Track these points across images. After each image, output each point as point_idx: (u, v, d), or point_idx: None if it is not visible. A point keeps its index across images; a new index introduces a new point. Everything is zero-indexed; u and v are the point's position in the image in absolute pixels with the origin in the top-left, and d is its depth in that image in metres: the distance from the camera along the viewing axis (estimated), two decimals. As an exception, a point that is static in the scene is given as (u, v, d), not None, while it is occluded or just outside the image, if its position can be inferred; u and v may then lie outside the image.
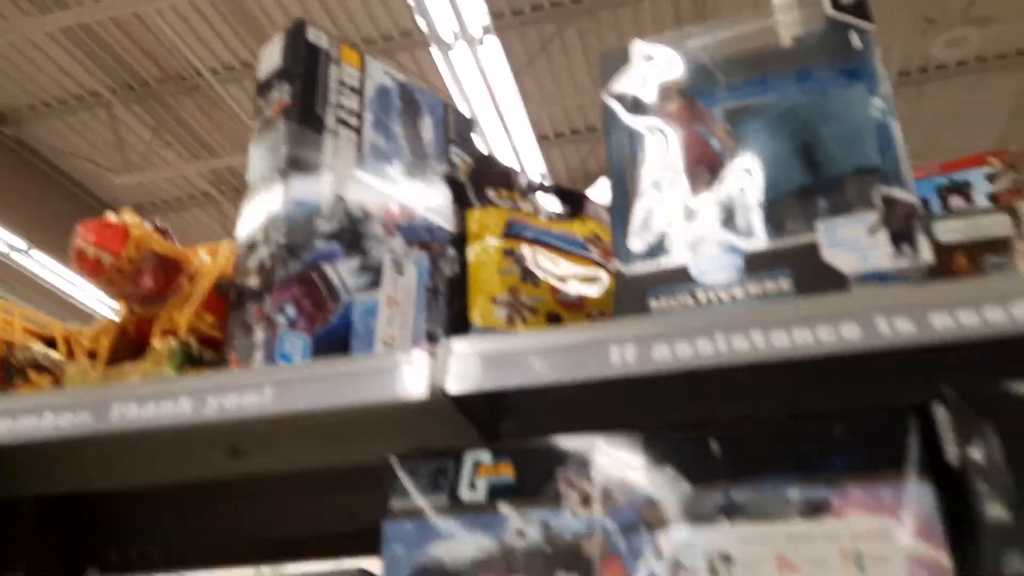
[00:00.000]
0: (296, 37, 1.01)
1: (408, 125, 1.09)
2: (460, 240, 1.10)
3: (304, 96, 0.99)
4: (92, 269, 0.97)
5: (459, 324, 1.00)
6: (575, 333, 0.77)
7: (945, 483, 0.67)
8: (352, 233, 0.97)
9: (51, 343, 1.13)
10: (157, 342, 0.98)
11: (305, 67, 1.00)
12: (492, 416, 0.84)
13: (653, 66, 0.96)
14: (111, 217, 1.01)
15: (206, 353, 0.98)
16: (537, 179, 1.15)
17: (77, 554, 1.17)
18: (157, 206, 9.05)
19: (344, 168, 0.99)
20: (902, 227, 0.78)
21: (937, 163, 1.35)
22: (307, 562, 1.15)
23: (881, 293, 0.73)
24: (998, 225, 0.99)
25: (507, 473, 0.77)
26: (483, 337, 0.83)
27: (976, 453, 0.66)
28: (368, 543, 0.85)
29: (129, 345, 1.04)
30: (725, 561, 0.69)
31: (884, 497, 0.68)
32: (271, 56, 1.03)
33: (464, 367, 0.79)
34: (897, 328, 0.70)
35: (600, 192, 1.32)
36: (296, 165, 0.95)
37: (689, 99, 0.94)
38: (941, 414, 0.68)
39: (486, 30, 5.69)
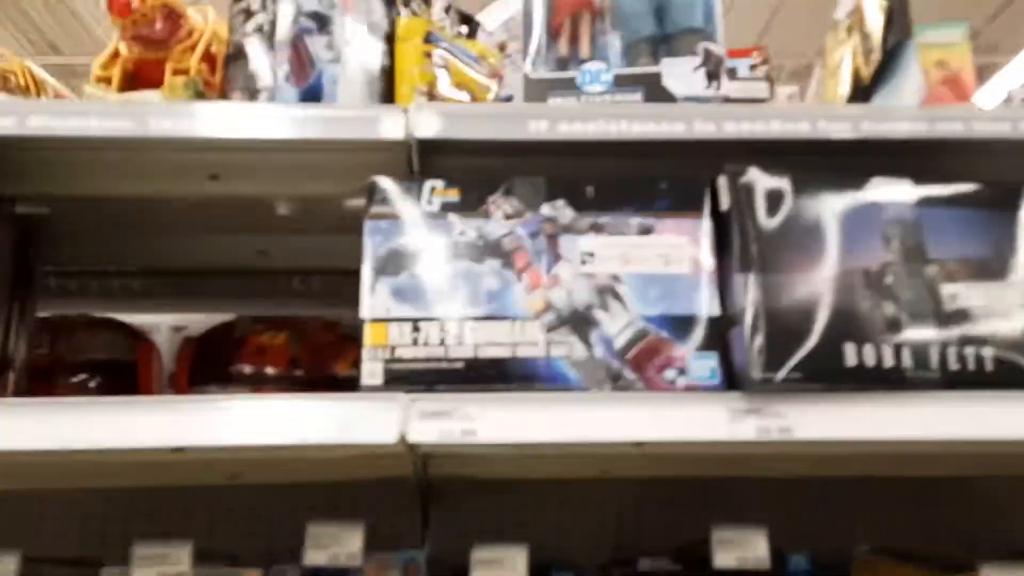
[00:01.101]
0: None
1: (357, -63, 1.36)
2: (388, 39, 1.41)
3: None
4: (122, 9, 1.17)
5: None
6: (510, 108, 1.15)
7: (718, 221, 1.16)
8: (322, 17, 1.25)
9: (12, 75, 1.30)
10: (170, 77, 1.21)
11: None
12: (430, 154, 1.20)
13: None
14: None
15: (207, 92, 1.23)
16: (444, 3, 1.48)
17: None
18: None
19: (319, -37, 1.27)
20: (714, 69, 1.23)
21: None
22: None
23: (697, 106, 1.18)
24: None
25: (454, 195, 1.15)
26: (444, 104, 1.19)
27: (735, 206, 1.14)
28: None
29: (128, 79, 1.25)
30: (590, 256, 1.13)
31: (685, 227, 1.15)
32: None
33: (428, 122, 1.14)
34: (705, 127, 1.16)
35: (489, 17, 1.67)
36: (288, -47, 1.22)
37: (581, -40, 1.32)
38: (722, 181, 1.16)
39: None
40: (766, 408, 1.06)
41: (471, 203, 1.15)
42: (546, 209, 1.15)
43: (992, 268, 1.14)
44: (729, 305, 1.13)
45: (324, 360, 1.49)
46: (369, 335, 1.10)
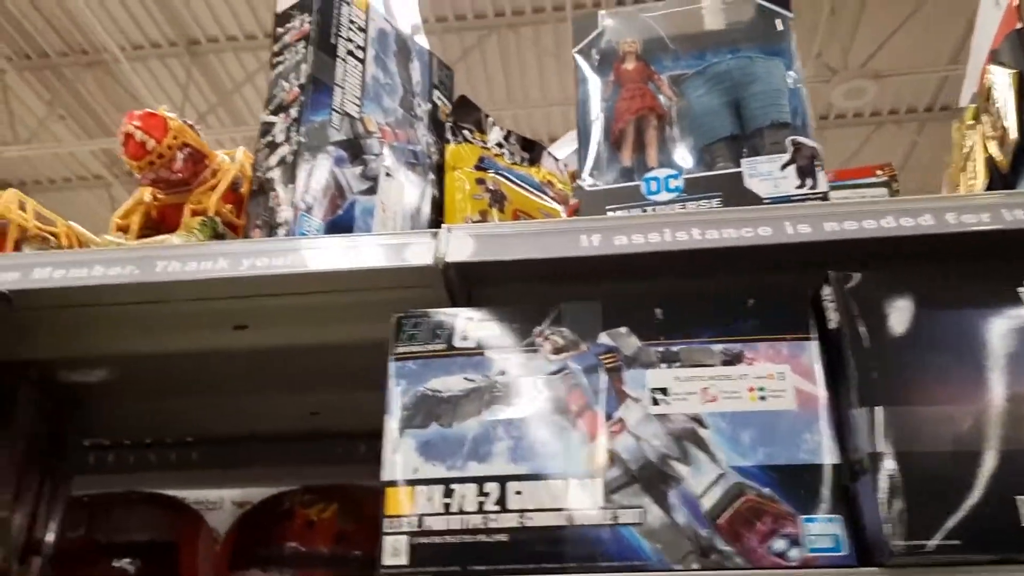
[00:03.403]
0: (317, -23, 1.19)
1: (401, 66, 1.27)
2: (438, 169, 1.29)
3: (322, 26, 1.16)
4: (136, 152, 1.11)
5: (436, 237, 1.19)
6: (557, 223, 0.98)
7: (826, 342, 0.91)
8: (356, 145, 1.14)
9: (55, 236, 1.25)
10: (187, 219, 1.12)
11: (324, 2, 1.17)
12: (472, 284, 1.02)
13: (615, 32, 1.18)
14: (155, 108, 1.15)
15: (228, 233, 1.13)
16: (504, 130, 1.36)
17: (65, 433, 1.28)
18: (43, 184, 8.71)
19: (351, 91, 1.17)
20: (806, 165, 1.03)
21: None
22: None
23: (788, 206, 0.97)
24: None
25: (493, 328, 0.96)
26: (478, 224, 1.03)
27: (847, 322, 0.90)
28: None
29: (151, 226, 1.17)
30: (663, 393, 0.90)
31: (782, 350, 0.91)
32: (291, -10, 1.20)
33: (461, 244, 0.98)
34: (798, 229, 0.94)
35: (559, 147, 1.54)
36: (314, 82, 1.13)
37: (644, 61, 1.17)
38: (827, 292, 0.92)
39: None
40: (916, 590, 0.77)
41: (513, 336, 0.96)
42: (605, 338, 0.94)
43: None
44: (851, 449, 0.87)
45: (375, 535, 1.28)
46: (391, 502, 0.89)
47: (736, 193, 1.04)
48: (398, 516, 0.88)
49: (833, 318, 0.91)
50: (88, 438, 1.34)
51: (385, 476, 0.91)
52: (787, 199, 1.02)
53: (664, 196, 1.06)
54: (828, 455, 0.86)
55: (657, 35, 1.18)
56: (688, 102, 1.14)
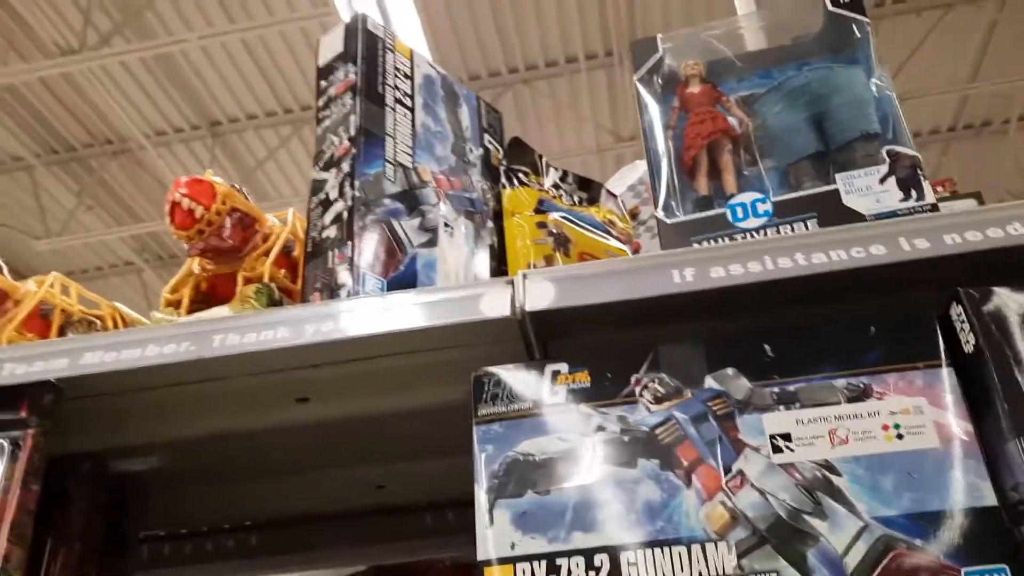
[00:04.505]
0: (358, 27, 1.13)
1: (450, 111, 1.21)
2: (496, 216, 1.21)
3: (369, 76, 1.10)
4: (184, 220, 1.04)
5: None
6: (644, 259, 0.89)
7: (962, 367, 0.81)
8: (412, 196, 1.07)
9: (100, 319, 1.18)
10: (242, 287, 1.05)
11: (368, 51, 1.12)
12: (549, 335, 0.94)
13: (676, 55, 1.11)
14: (203, 175, 1.09)
15: (284, 299, 1.05)
16: (559, 170, 1.28)
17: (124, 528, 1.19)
18: (76, 275, 8.80)
19: (402, 140, 1.10)
20: (908, 175, 0.94)
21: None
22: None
23: (899, 220, 0.87)
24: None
25: (583, 379, 0.87)
26: (557, 267, 0.94)
27: (989, 344, 0.80)
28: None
29: (202, 299, 1.10)
30: (785, 439, 0.80)
31: (915, 381, 0.81)
32: (332, 43, 1.14)
33: (540, 291, 0.89)
34: (915, 245, 0.84)
35: (616, 183, 1.46)
36: (365, 134, 1.06)
37: (710, 83, 1.09)
38: (957, 312, 0.82)
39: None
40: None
41: (608, 387, 0.86)
42: (710, 382, 0.85)
43: None
44: (1008, 488, 0.76)
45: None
46: (490, 584, 0.79)
47: (833, 212, 0.95)
48: (499, 599, 0.79)
49: (968, 340, 0.81)
50: (144, 530, 1.25)
51: (481, 555, 0.81)
52: (892, 214, 0.93)
53: (753, 222, 0.97)
54: (986, 497, 0.75)
55: (721, 55, 1.11)
56: (764, 121, 1.06)
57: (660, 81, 1.10)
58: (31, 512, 0.91)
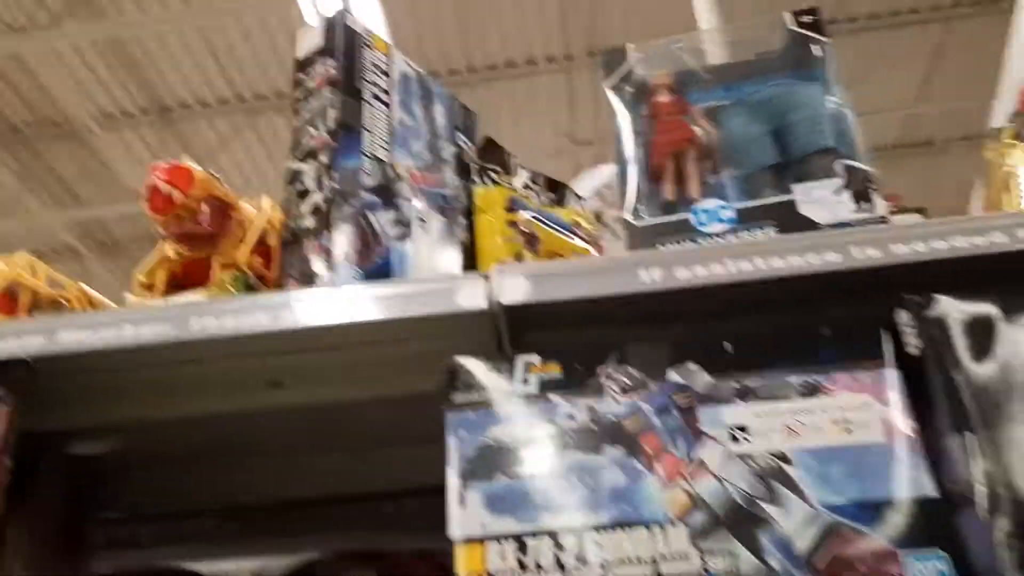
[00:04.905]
0: (337, 22, 1.16)
1: (425, 109, 1.24)
2: (467, 213, 1.25)
3: (347, 70, 1.13)
4: (163, 205, 1.05)
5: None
6: (613, 259, 0.93)
7: (907, 368, 0.87)
8: (388, 190, 1.10)
9: (67, 300, 1.19)
10: (217, 274, 1.06)
11: (347, 46, 1.14)
12: (522, 329, 0.97)
13: (646, 65, 1.16)
14: (181, 160, 1.10)
15: (259, 286, 1.07)
16: (529, 171, 1.33)
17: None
18: (13, 258, 8.52)
19: (379, 135, 1.13)
20: (861, 188, 1.00)
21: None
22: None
23: (851, 230, 0.93)
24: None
25: (554, 370, 0.91)
26: (531, 263, 0.98)
27: (930, 347, 0.86)
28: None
29: (175, 283, 1.11)
30: (742, 431, 0.86)
31: (863, 379, 0.87)
32: (312, 37, 1.16)
33: (514, 285, 0.93)
34: (866, 253, 0.90)
35: (580, 186, 1.50)
36: (343, 127, 1.09)
37: (677, 93, 1.14)
38: (903, 318, 0.88)
39: None
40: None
41: (577, 379, 0.91)
42: (674, 376, 0.90)
43: None
44: (947, 481, 0.82)
45: (419, 602, 1.21)
46: (461, 561, 0.83)
47: (791, 220, 1.01)
48: (469, 577, 0.82)
49: (913, 344, 0.87)
50: (105, 512, 1.25)
51: (453, 534, 0.84)
52: (845, 224, 0.99)
53: (716, 227, 1.03)
54: (927, 487, 0.81)
55: (688, 67, 1.16)
56: (727, 132, 1.11)
57: (631, 90, 1.15)
58: (2, 487, 0.92)
